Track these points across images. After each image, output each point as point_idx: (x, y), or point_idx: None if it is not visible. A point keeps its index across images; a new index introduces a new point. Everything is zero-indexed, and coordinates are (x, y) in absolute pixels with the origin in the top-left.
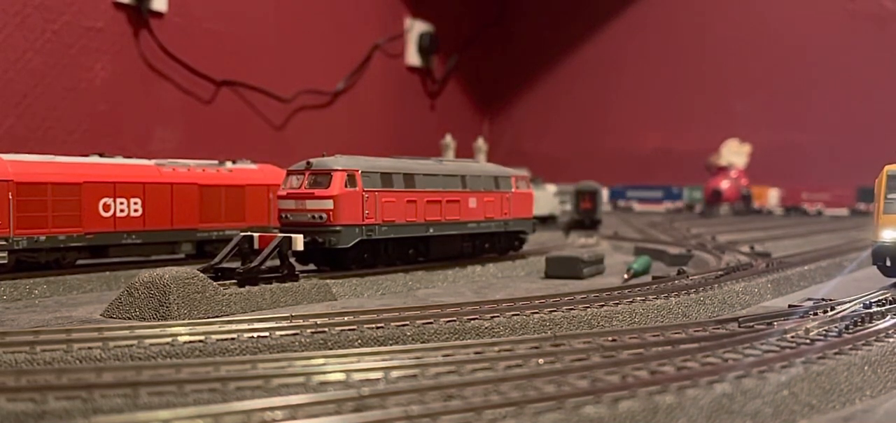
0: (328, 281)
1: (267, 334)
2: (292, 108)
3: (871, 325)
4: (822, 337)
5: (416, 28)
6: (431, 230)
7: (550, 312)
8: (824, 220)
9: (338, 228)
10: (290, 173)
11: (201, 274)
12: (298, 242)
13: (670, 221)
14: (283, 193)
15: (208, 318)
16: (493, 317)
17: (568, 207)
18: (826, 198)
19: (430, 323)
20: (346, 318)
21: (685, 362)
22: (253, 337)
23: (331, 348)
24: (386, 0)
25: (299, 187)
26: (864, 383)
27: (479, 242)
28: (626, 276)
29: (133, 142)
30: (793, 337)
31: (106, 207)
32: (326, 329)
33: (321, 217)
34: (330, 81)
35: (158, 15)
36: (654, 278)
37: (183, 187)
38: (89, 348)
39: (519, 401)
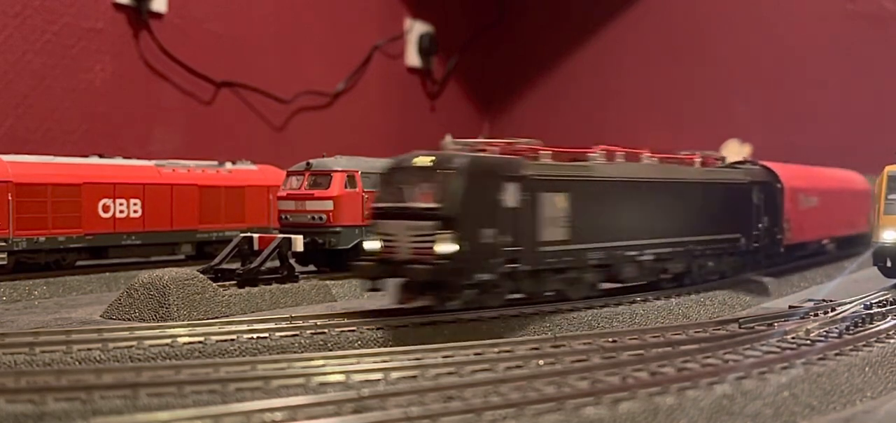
0: (328, 282)
1: (267, 335)
2: (292, 109)
3: (871, 326)
4: (822, 338)
5: (416, 29)
6: None
7: (550, 312)
8: None
9: (338, 228)
10: (289, 174)
11: (201, 275)
12: (298, 243)
13: None
14: (283, 194)
15: (208, 319)
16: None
17: None
18: None
19: (430, 324)
20: (345, 319)
21: (685, 363)
22: (252, 338)
23: (330, 350)
24: (386, 1)
25: (299, 188)
26: (865, 384)
27: None
28: None
29: (133, 143)
30: (793, 338)
31: (105, 208)
32: (326, 330)
33: (321, 218)
34: (330, 81)
35: (158, 16)
36: None
37: (183, 188)
38: (89, 349)
39: (519, 402)
